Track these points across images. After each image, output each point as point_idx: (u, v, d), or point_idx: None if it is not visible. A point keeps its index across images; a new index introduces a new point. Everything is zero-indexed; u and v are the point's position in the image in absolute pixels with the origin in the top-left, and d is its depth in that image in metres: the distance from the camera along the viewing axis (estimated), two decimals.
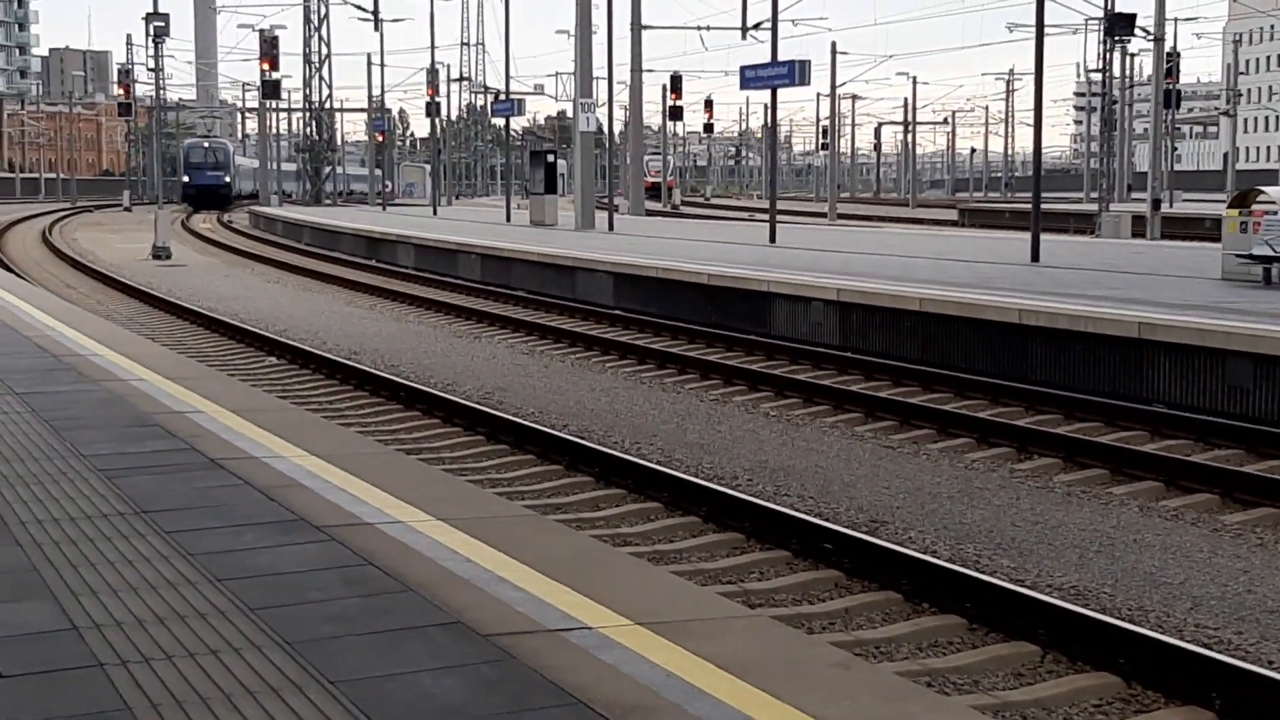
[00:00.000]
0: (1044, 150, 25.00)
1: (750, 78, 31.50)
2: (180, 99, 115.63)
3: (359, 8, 66.26)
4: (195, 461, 7.31)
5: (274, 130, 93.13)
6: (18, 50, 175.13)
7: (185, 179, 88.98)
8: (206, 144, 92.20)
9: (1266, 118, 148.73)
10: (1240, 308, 15.81)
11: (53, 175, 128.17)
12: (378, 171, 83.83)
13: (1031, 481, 11.35)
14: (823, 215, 66.16)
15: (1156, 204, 42.43)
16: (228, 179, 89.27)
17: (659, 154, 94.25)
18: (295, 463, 7.30)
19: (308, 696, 4.12)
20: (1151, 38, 51.02)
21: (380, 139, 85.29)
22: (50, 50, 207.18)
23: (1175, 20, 68.39)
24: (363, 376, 16.20)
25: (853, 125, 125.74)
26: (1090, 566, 8.91)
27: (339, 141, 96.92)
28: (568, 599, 5.01)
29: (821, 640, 6.63)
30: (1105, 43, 56.17)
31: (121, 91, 74.99)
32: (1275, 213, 18.73)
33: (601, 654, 4.46)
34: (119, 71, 79.49)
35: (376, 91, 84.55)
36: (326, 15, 78.46)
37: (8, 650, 4.48)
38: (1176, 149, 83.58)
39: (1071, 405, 14.07)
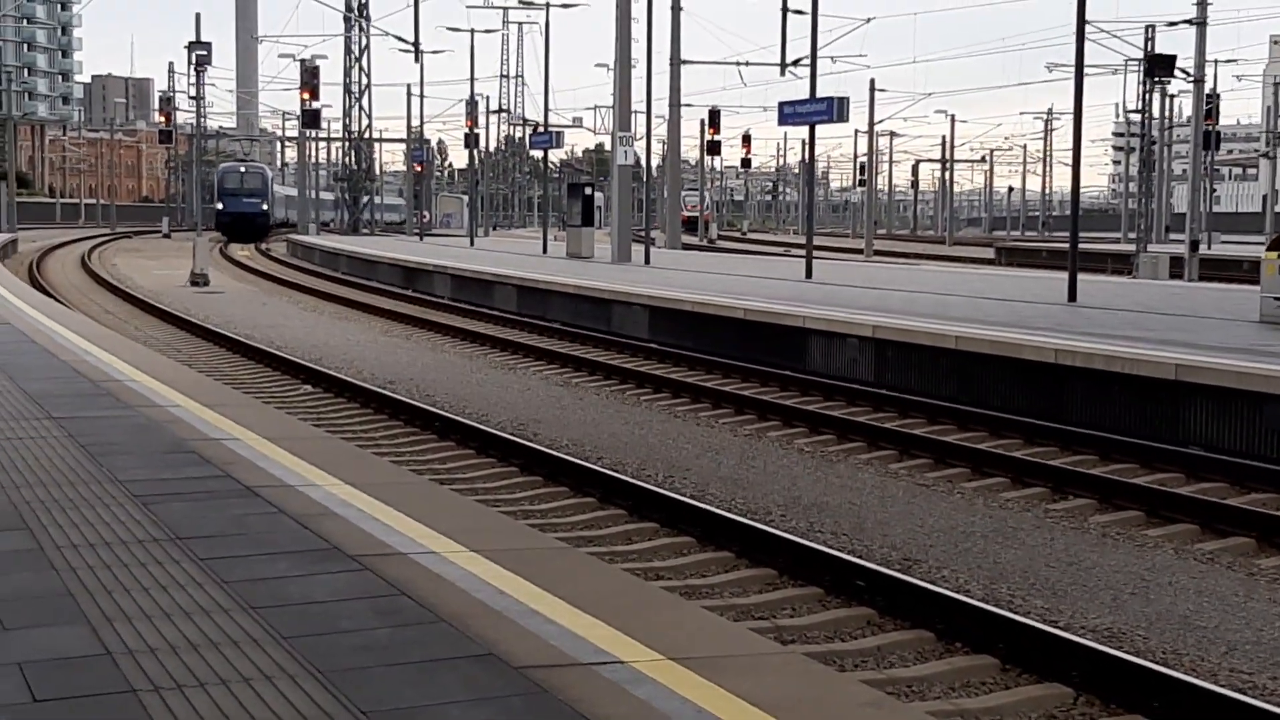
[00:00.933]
0: (1082, 190, 24.96)
1: (789, 114, 31.53)
2: (221, 127, 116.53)
3: (400, 39, 66.60)
4: (230, 488, 7.34)
5: (313, 159, 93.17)
6: (60, 77, 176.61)
7: (219, 206, 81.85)
8: (243, 168, 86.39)
9: None
10: (1279, 351, 15.71)
11: (93, 201, 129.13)
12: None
13: (1066, 522, 11.29)
14: (859, 251, 66.12)
15: (1194, 245, 42.30)
16: (265, 206, 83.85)
17: (696, 188, 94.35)
18: (329, 491, 7.31)
19: None
20: (1191, 79, 50.96)
21: (419, 169, 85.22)
22: (93, 77, 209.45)
23: (1215, 62, 68.04)
24: (397, 406, 16.24)
25: (890, 162, 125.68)
26: (1124, 609, 8.85)
27: (378, 171, 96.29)
28: (600, 633, 5.00)
29: (853, 679, 6.60)
30: (1145, 84, 56.15)
31: (162, 119, 75.51)
32: None
33: (634, 689, 4.45)
34: (160, 99, 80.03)
35: (415, 122, 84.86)
36: (367, 46, 78.90)
37: (41, 675, 4.49)
38: (1215, 190, 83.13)
39: (1107, 446, 14.00)
